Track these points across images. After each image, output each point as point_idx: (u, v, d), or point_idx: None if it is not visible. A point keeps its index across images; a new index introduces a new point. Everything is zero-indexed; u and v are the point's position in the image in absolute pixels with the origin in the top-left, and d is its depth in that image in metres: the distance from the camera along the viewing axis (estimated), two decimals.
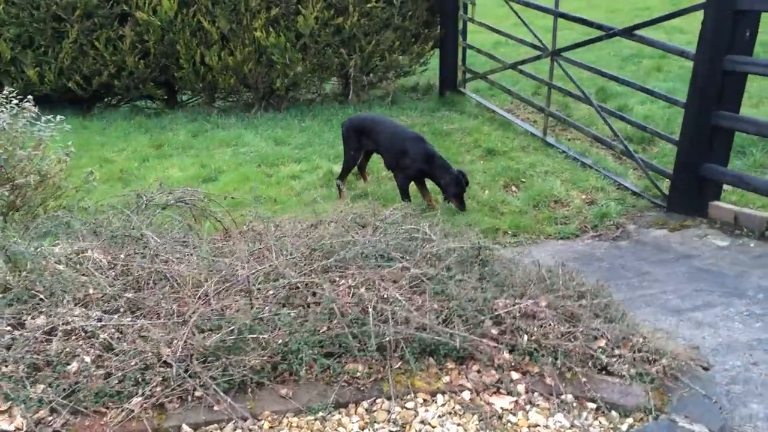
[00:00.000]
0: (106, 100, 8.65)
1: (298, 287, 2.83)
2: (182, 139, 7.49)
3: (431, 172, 5.55)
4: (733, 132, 4.97)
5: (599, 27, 6.06)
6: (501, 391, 2.63)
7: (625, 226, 5.42)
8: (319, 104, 8.55)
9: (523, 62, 7.43)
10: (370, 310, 2.62)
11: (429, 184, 5.78)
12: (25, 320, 2.69)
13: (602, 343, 2.77)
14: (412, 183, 5.75)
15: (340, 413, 2.57)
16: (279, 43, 7.84)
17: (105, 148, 7.24)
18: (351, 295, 2.69)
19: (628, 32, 5.70)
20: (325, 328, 2.62)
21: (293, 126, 7.87)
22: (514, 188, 6.17)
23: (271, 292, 2.82)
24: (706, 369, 2.85)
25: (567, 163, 6.60)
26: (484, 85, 8.83)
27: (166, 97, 8.78)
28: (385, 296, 2.66)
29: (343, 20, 7.93)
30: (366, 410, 2.58)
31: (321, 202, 5.39)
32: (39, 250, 3.04)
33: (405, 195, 5.61)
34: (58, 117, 4.44)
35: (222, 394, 2.43)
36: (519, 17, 7.14)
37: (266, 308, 2.72)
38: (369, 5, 7.98)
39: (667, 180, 5.57)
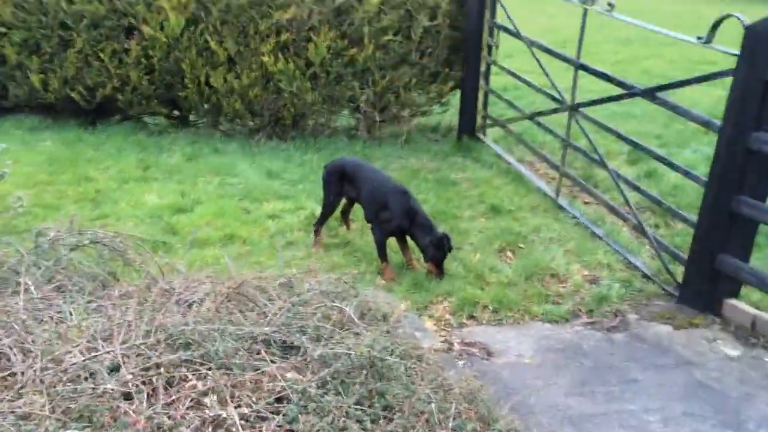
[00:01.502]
0: (116, 115, 8.37)
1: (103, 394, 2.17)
2: (174, 162, 7.11)
3: (412, 230, 4.99)
4: (757, 223, 4.26)
5: (620, 84, 5.42)
6: None
7: (625, 315, 4.72)
8: (326, 137, 8.09)
9: (540, 114, 6.82)
10: None
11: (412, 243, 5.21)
12: None
13: None
14: (393, 239, 5.20)
15: None
16: (287, 70, 7.43)
17: (91, 164, 6.91)
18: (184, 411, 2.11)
19: (651, 93, 5.06)
20: None
21: (293, 158, 7.41)
22: (509, 254, 5.53)
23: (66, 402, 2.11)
24: None
25: (576, 231, 5.93)
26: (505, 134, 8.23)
27: (177, 114, 8.46)
28: (222, 416, 2.08)
29: (357, 52, 7.47)
30: None
31: (280, 252, 4.92)
32: None
33: (382, 252, 5.05)
34: None
35: None
36: (539, 64, 6.54)
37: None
38: (386, 38, 7.51)
39: (683, 266, 4.86)
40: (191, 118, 8.44)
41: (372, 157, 7.64)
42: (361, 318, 3.21)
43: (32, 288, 2.98)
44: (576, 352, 4.21)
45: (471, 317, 4.66)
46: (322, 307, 3.01)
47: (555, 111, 6.49)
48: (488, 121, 8.10)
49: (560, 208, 6.40)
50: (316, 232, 5.43)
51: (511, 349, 4.26)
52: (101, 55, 7.58)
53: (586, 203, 6.70)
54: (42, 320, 2.79)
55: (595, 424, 3.38)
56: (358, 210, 5.63)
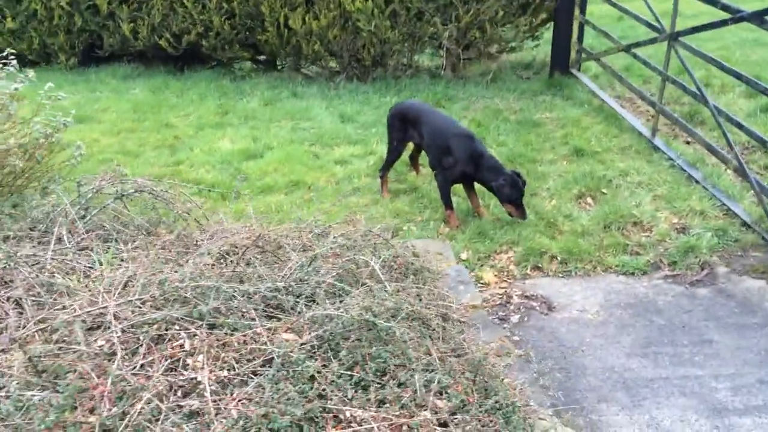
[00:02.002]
0: (204, 62, 8.49)
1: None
2: (252, 107, 7.12)
3: (479, 175, 4.67)
4: None
5: (725, 8, 4.72)
6: None
7: (714, 268, 4.21)
8: (408, 78, 7.78)
9: (637, 45, 6.14)
10: None
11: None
12: None
13: None
14: (460, 186, 4.92)
15: None
16: (365, 9, 7.15)
17: (173, 111, 7.06)
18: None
19: (760, 17, 4.36)
20: None
21: (371, 101, 7.20)
22: (589, 200, 5.09)
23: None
24: None
25: (671, 174, 5.36)
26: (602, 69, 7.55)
27: (261, 59, 8.45)
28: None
29: None
30: None
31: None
32: None
33: (446, 199, 4.78)
34: (30, 72, 4.09)
35: None
36: None
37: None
38: None
39: None
40: (277, 62, 8.41)
41: (455, 97, 7.28)
42: (396, 272, 3.03)
43: (65, 238, 3.01)
44: (648, 309, 3.80)
45: (536, 268, 4.34)
46: (344, 263, 2.83)
47: (653, 41, 5.81)
48: (583, 56, 7.45)
49: (655, 149, 5.80)
50: (382, 178, 5.23)
51: (575, 304, 3.92)
52: (185, 1, 7.64)
53: (687, 143, 6.03)
54: (68, 271, 2.82)
55: (652, 389, 3.03)
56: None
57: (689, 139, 6.04)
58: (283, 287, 2.47)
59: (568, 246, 4.42)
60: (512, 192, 4.55)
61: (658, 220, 4.74)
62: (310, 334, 2.15)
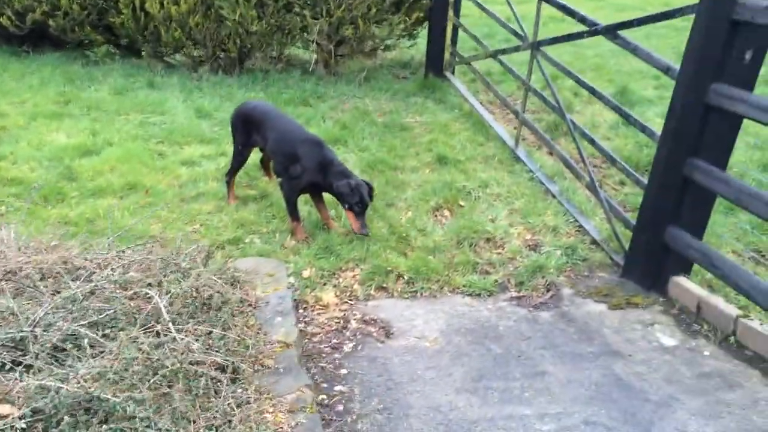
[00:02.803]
0: (54, 44, 7.69)
1: None
2: (99, 96, 6.48)
3: (327, 183, 4.36)
4: (713, 194, 3.57)
5: (582, 20, 4.64)
6: None
7: (559, 289, 4.11)
8: (278, 72, 7.37)
9: (503, 51, 6.04)
10: None
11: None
12: None
13: None
14: (307, 195, 4.60)
15: None
16: None
17: (8, 96, 6.31)
18: None
19: (612, 31, 4.29)
20: None
21: (234, 95, 6.74)
22: (446, 213, 4.91)
23: None
24: None
25: (529, 187, 5.27)
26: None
27: (123, 44, 7.75)
28: None
29: None
30: None
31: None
32: None
33: (292, 209, 4.44)
34: None
35: None
36: None
37: None
38: None
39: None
40: (141, 49, 7.75)
41: (324, 95, 6.94)
42: (194, 306, 2.66)
43: None
44: (487, 335, 3.63)
45: (381, 288, 4.08)
46: (131, 296, 2.43)
47: (517, 49, 5.70)
48: (457, 59, 7.30)
49: (517, 159, 5.72)
50: (228, 183, 4.83)
51: (414, 329, 3.69)
52: None
53: (550, 154, 6.00)
54: None
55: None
56: None
57: (551, 152, 6.02)
58: (30, 333, 2.05)
59: (417, 264, 4.19)
60: (352, 196, 4.22)
61: (511, 236, 4.62)
62: (26, 407, 1.75)
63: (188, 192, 4.89)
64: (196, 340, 2.36)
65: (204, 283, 2.74)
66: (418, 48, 8.38)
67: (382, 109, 6.71)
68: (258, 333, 2.77)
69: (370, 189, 4.39)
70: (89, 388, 1.78)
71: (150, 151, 5.41)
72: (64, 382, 1.78)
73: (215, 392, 2.06)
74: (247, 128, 4.58)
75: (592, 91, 4.63)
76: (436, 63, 7.38)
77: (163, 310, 2.37)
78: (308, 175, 4.33)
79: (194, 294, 2.64)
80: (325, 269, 4.15)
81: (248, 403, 2.12)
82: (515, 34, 5.63)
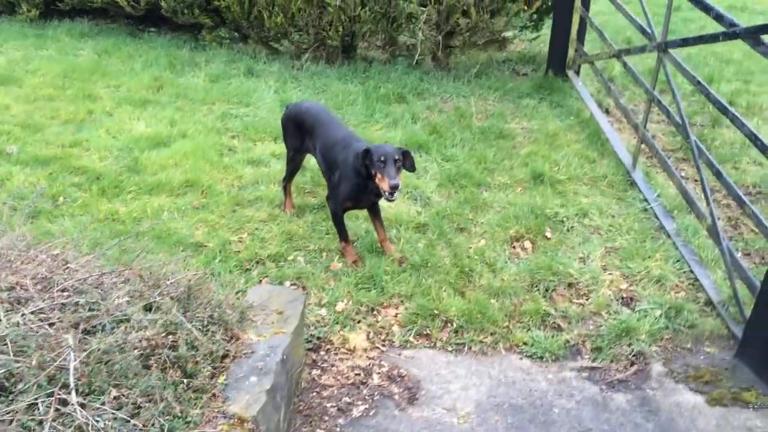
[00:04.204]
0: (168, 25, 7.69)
1: None
2: (192, 83, 6.31)
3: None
4: None
5: (718, 17, 3.63)
6: None
7: (648, 363, 3.26)
8: (381, 64, 6.83)
9: (628, 52, 5.04)
10: None
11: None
12: None
13: None
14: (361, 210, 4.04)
15: None
16: None
17: (106, 79, 6.31)
18: None
19: (754, 35, 3.28)
20: None
21: (330, 87, 6.30)
22: (526, 245, 4.13)
23: None
24: None
25: (639, 221, 4.35)
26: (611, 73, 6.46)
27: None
28: None
29: None
30: None
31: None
32: None
33: (339, 227, 3.90)
34: None
35: None
36: None
37: None
38: None
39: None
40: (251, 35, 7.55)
41: (425, 92, 6.31)
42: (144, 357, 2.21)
43: None
44: (535, 419, 2.89)
45: (423, 335, 3.45)
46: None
47: (643, 49, 4.71)
48: (581, 56, 6.34)
49: (632, 184, 4.76)
50: (285, 190, 4.38)
51: (447, 395, 3.04)
52: None
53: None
54: None
55: None
56: None
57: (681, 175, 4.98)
58: None
59: (473, 309, 3.50)
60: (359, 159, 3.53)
61: (600, 283, 3.77)
62: None
63: (245, 195, 4.51)
64: (114, 417, 1.91)
65: (157, 333, 2.28)
66: (545, 41, 7.45)
67: (486, 111, 5.96)
68: (213, 399, 2.27)
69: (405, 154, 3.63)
70: None
71: (220, 146, 5.10)
72: None
73: None
74: (299, 132, 4.09)
75: (723, 110, 3.61)
76: (558, 60, 6.48)
77: (72, 372, 1.94)
78: (351, 191, 3.74)
79: (128, 348, 2.19)
80: (363, 303, 3.58)
81: None
82: (643, 31, 4.65)
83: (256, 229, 4.19)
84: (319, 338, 3.37)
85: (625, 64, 5.01)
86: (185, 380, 2.26)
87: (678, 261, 3.92)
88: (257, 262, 3.90)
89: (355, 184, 3.70)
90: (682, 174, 5.06)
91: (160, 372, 2.21)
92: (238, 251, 3.97)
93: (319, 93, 6.21)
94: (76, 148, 5.02)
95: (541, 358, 3.30)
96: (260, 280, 3.75)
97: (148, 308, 2.48)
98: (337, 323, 3.46)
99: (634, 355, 3.30)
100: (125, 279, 2.62)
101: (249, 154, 5.03)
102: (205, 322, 2.66)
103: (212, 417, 2.20)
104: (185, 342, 2.40)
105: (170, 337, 2.39)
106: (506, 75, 6.92)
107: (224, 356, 2.55)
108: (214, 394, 2.30)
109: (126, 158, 4.90)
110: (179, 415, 2.12)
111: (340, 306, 3.57)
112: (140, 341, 2.20)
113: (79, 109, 5.62)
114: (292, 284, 3.73)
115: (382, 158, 3.45)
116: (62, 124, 5.42)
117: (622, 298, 3.70)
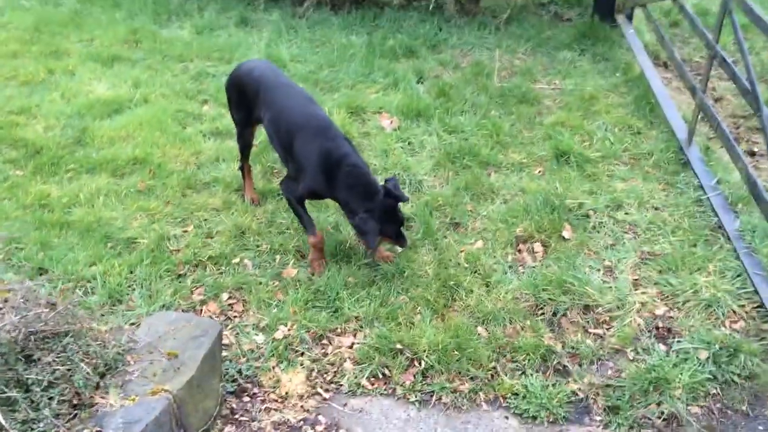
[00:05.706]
0: None
1: None
2: (176, 36, 5.51)
3: (335, 195, 2.94)
4: None
5: None
6: None
7: (679, 426, 2.34)
8: (395, 10, 5.83)
9: None
10: None
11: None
12: None
13: None
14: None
15: None
16: None
17: (79, 31, 5.58)
18: None
19: None
20: None
21: (330, 39, 5.39)
22: (536, 249, 3.21)
23: None
24: None
25: (691, 217, 3.36)
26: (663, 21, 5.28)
27: None
28: None
29: None
30: None
31: None
32: None
33: (300, 216, 3.07)
34: None
35: None
36: None
37: None
38: None
39: None
40: None
41: (442, 44, 5.33)
42: None
43: None
44: None
45: (380, 377, 2.62)
46: None
47: None
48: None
49: (685, 164, 3.72)
50: (242, 173, 3.56)
51: None
52: None
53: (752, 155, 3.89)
54: None
55: None
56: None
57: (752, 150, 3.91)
58: None
59: (451, 341, 2.66)
60: (374, 233, 2.86)
61: (629, 307, 2.85)
62: None
63: (200, 176, 3.74)
64: None
65: None
66: None
67: (512, 68, 4.94)
68: None
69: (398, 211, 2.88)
70: None
71: (184, 113, 4.31)
72: None
73: None
74: (243, 99, 3.23)
75: None
76: (606, 3, 5.32)
77: None
78: (309, 181, 2.92)
79: None
80: (311, 329, 2.78)
81: None
82: None
83: (205, 220, 3.43)
84: (247, 376, 2.61)
85: (682, 7, 3.88)
86: None
87: (739, 276, 2.93)
88: (195, 266, 3.14)
89: (321, 182, 2.89)
90: (755, 148, 3.97)
91: None
92: (177, 250, 3.23)
93: (314, 46, 5.31)
94: (23, 115, 4.33)
95: (534, 418, 2.44)
96: (191, 290, 3.00)
97: None
98: (273, 355, 2.68)
99: (664, 419, 2.40)
100: None
101: (216, 123, 4.22)
102: (46, 383, 1.93)
103: None
104: None
105: None
106: (544, 21, 5.80)
107: None
108: None
109: (74, 128, 4.18)
110: None
111: (281, 332, 2.78)
112: None
113: (39, 69, 4.91)
114: (228, 297, 2.97)
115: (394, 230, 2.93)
116: (18, 85, 4.74)
117: (657, 329, 2.77)
